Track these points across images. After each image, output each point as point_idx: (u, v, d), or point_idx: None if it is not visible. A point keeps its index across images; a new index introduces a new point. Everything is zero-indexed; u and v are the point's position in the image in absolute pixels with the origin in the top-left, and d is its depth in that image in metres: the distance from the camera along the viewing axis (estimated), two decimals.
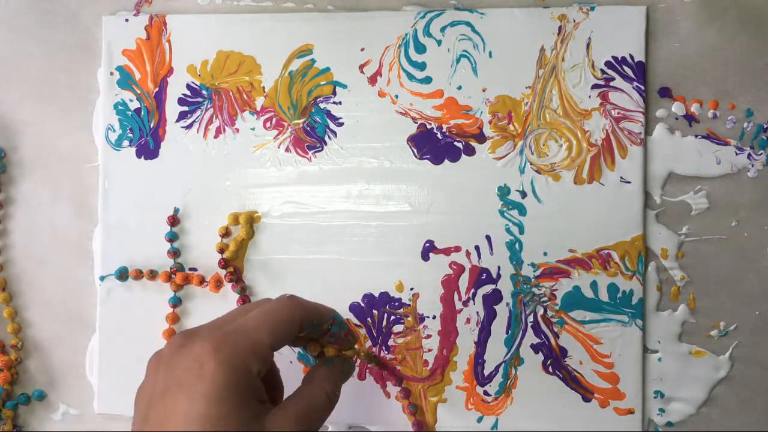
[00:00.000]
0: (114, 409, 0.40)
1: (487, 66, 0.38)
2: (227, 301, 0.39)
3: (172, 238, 0.39)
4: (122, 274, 0.39)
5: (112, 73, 0.40)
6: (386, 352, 0.38)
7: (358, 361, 0.38)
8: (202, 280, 0.39)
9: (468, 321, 0.38)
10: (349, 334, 0.32)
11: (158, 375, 0.27)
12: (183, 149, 0.40)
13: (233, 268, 0.39)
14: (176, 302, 0.39)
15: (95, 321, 0.40)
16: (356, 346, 0.34)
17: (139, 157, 0.40)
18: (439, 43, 0.38)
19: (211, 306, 0.39)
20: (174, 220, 0.39)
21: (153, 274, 0.39)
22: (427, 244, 0.38)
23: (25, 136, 0.41)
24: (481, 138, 0.38)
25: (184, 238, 0.40)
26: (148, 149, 0.40)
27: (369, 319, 0.38)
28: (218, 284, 0.39)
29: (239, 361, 0.26)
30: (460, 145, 0.38)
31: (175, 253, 0.39)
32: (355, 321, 0.38)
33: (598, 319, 0.37)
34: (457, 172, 0.38)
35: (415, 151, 0.38)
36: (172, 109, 0.40)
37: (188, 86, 0.40)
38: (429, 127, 0.38)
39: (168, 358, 0.27)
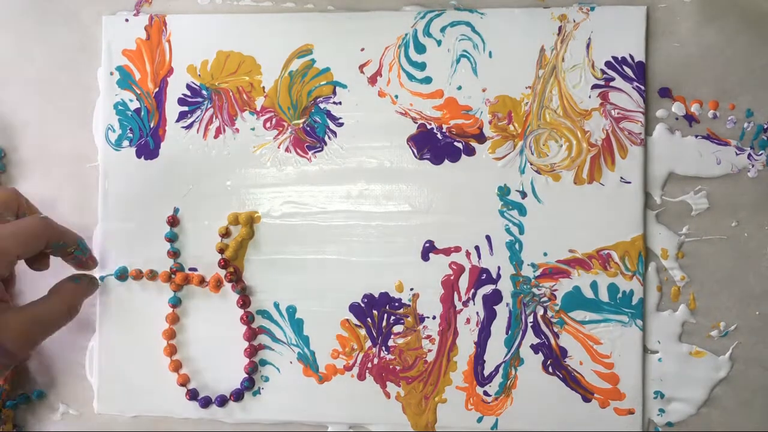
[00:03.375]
0: (114, 409, 0.40)
1: (487, 66, 0.38)
2: (227, 301, 0.39)
3: (172, 238, 0.39)
4: (122, 274, 0.39)
5: (112, 73, 0.40)
6: (386, 353, 0.38)
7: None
8: (201, 280, 0.39)
9: (468, 321, 0.38)
10: (90, 259, 0.38)
11: None
12: (183, 149, 0.40)
13: (233, 268, 0.39)
14: (176, 302, 0.39)
15: (95, 321, 0.40)
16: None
17: (139, 157, 0.40)
18: (439, 43, 0.38)
19: (211, 306, 0.39)
20: (174, 220, 0.39)
21: (153, 274, 0.39)
22: (427, 244, 0.38)
23: (25, 136, 0.41)
24: (481, 138, 0.38)
25: (184, 238, 0.40)
26: (148, 149, 0.40)
27: (369, 319, 0.38)
28: (218, 284, 0.39)
29: None
30: (460, 145, 0.38)
31: (175, 253, 0.39)
32: (355, 321, 0.38)
33: (598, 320, 0.37)
34: (457, 172, 0.38)
35: (415, 151, 0.38)
36: (172, 109, 0.40)
37: (188, 86, 0.40)
38: (429, 127, 0.38)
39: None
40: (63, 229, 0.36)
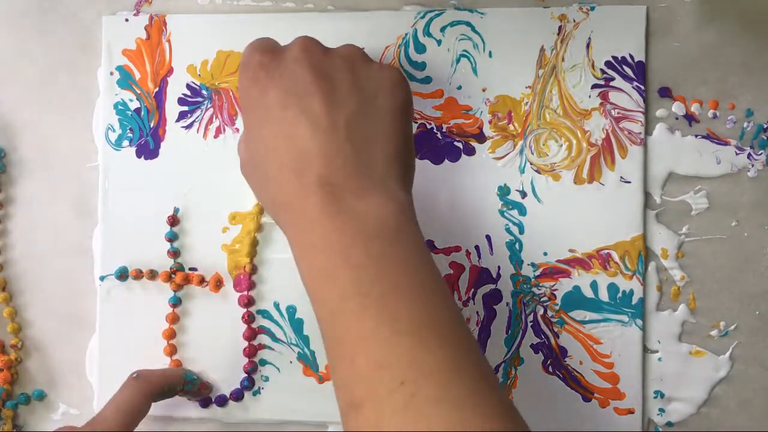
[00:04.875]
0: None
1: (487, 66, 0.38)
2: (227, 301, 0.39)
3: (172, 237, 0.39)
4: (122, 274, 0.39)
5: (112, 73, 0.40)
6: None
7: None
8: (201, 280, 0.39)
9: (468, 321, 0.38)
10: (203, 386, 0.38)
11: None
12: (183, 149, 0.40)
13: (252, 266, 0.39)
14: (176, 302, 0.39)
15: (95, 321, 0.40)
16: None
17: (139, 156, 0.40)
18: (439, 43, 0.38)
19: (211, 306, 0.39)
20: (174, 220, 0.39)
21: (153, 274, 0.39)
22: (427, 244, 0.38)
23: (25, 136, 0.41)
24: (481, 138, 0.38)
25: (184, 238, 0.40)
26: (148, 149, 0.40)
27: None
28: (218, 284, 0.39)
29: None
30: (460, 145, 0.38)
31: (175, 253, 0.39)
32: None
33: (598, 319, 0.37)
34: (457, 172, 0.38)
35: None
36: (172, 108, 0.40)
37: (188, 86, 0.40)
38: (429, 126, 0.38)
39: None
40: (160, 375, 0.36)
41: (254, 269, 0.39)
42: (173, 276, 0.39)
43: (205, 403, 0.39)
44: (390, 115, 0.31)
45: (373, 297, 0.27)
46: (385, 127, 0.31)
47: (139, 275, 0.39)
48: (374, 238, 0.28)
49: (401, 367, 0.25)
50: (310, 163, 0.29)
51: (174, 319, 0.39)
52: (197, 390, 0.38)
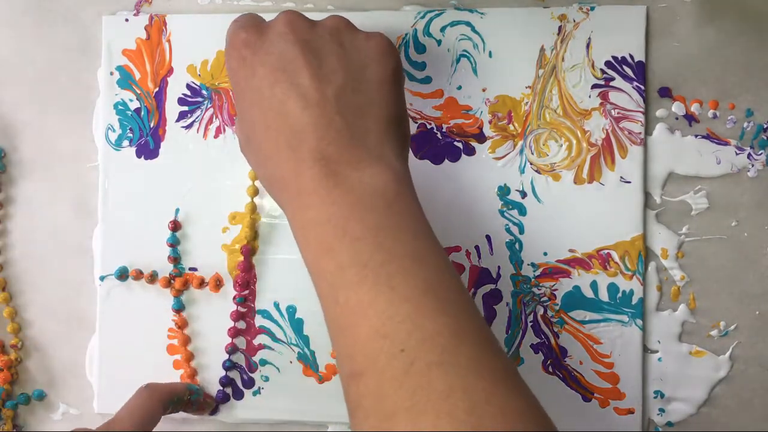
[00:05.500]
0: (114, 409, 0.40)
1: (487, 66, 0.38)
2: (227, 301, 0.39)
3: (174, 243, 0.39)
4: (122, 274, 0.39)
5: (112, 73, 0.40)
6: None
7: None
8: (201, 282, 0.39)
9: None
10: (207, 397, 0.39)
11: None
12: (183, 149, 0.40)
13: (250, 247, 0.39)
14: (180, 307, 0.39)
15: (95, 321, 0.40)
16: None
17: (139, 157, 0.40)
18: (439, 42, 0.38)
19: (211, 306, 0.39)
20: (176, 225, 0.39)
21: (153, 278, 0.39)
22: None
23: (25, 136, 0.41)
24: (481, 138, 0.38)
25: (183, 238, 0.40)
26: (148, 149, 0.40)
27: None
28: (218, 284, 0.39)
29: None
30: (460, 145, 0.38)
31: (175, 259, 0.39)
32: None
33: (598, 319, 0.37)
34: (457, 172, 0.38)
35: (414, 151, 0.38)
36: (172, 108, 0.40)
37: (188, 86, 0.40)
38: (429, 126, 0.38)
39: None
40: (168, 386, 0.37)
41: (253, 251, 0.39)
42: (172, 282, 0.39)
43: (211, 413, 0.39)
44: (380, 84, 0.31)
45: (371, 267, 0.27)
46: (376, 96, 0.31)
47: (139, 275, 0.39)
48: (371, 209, 0.28)
49: (400, 335, 0.25)
50: (303, 138, 0.29)
51: (183, 323, 0.39)
52: (202, 401, 0.38)
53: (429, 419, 0.23)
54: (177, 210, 0.40)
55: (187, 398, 0.37)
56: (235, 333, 0.39)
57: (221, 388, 0.39)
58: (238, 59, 0.31)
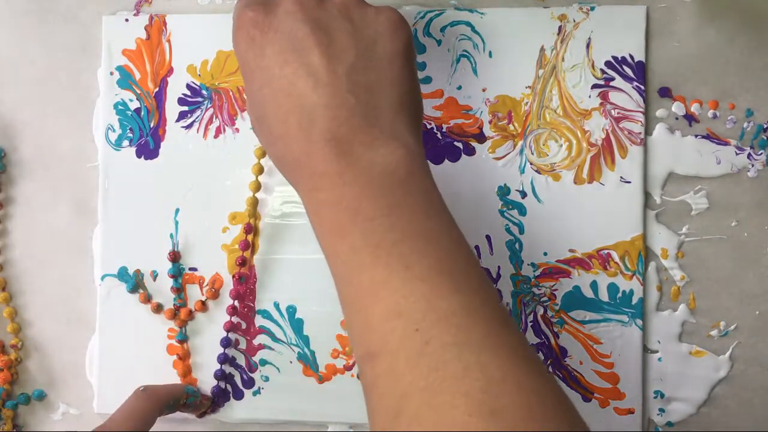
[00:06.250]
0: (113, 409, 0.40)
1: (487, 66, 0.38)
2: (227, 302, 0.39)
3: (175, 274, 0.39)
4: (123, 275, 0.39)
5: (112, 73, 0.40)
6: None
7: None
8: (202, 283, 0.39)
9: None
10: (203, 398, 0.39)
11: None
12: (183, 149, 0.40)
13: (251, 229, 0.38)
14: (183, 338, 0.39)
15: (95, 321, 0.40)
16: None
17: (139, 156, 0.40)
18: (439, 42, 0.38)
19: (211, 307, 0.39)
20: (175, 256, 0.39)
21: (159, 308, 0.39)
22: None
23: (25, 136, 0.41)
24: (481, 138, 0.38)
25: (183, 239, 0.40)
26: (148, 149, 0.40)
27: None
28: (216, 294, 0.39)
29: None
30: (460, 145, 0.38)
31: (178, 290, 0.39)
32: None
33: (598, 319, 0.37)
34: (457, 172, 0.38)
35: None
36: (172, 108, 0.40)
37: (188, 86, 0.40)
38: (429, 127, 0.38)
39: None
40: (165, 389, 0.37)
41: (255, 231, 0.39)
42: (177, 313, 0.39)
43: (211, 411, 0.39)
44: (392, 60, 0.30)
45: (384, 247, 0.26)
46: (388, 73, 0.30)
47: (143, 298, 0.39)
48: (383, 189, 0.28)
49: (415, 315, 0.25)
50: (315, 118, 0.29)
51: (186, 355, 0.39)
52: (198, 402, 0.38)
53: (445, 398, 0.23)
54: (177, 210, 0.40)
55: (183, 401, 0.37)
56: (230, 327, 0.39)
57: (216, 382, 0.39)
58: (246, 39, 0.31)
